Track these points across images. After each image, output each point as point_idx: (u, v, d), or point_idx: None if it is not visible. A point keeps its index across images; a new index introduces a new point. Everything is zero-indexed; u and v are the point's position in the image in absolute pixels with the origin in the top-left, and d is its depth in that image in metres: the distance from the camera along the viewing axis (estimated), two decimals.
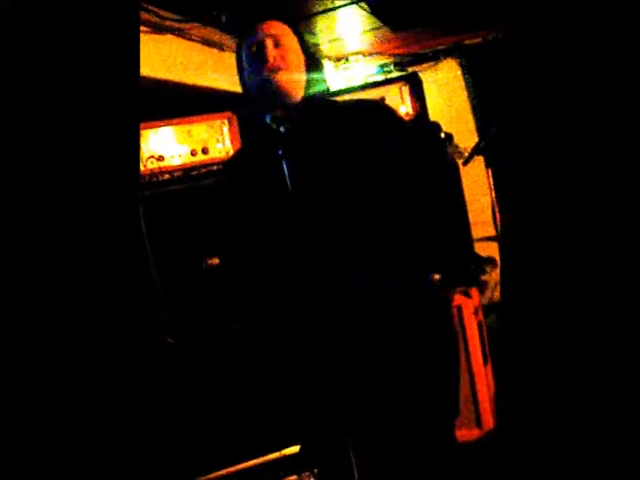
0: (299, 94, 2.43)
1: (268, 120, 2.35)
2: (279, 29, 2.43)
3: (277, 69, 2.36)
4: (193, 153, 3.67)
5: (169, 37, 3.71)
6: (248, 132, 3.06)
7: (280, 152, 2.34)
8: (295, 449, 3.46)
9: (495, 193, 3.81)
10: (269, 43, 2.37)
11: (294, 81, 2.42)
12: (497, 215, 3.92)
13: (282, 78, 2.37)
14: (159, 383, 3.37)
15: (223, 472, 3.45)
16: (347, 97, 4.32)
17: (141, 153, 3.54)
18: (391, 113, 2.82)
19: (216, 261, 3.41)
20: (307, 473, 3.46)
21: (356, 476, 2.60)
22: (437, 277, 2.73)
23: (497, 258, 4.36)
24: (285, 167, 2.28)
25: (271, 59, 2.36)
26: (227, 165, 3.08)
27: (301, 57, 2.47)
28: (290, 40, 2.44)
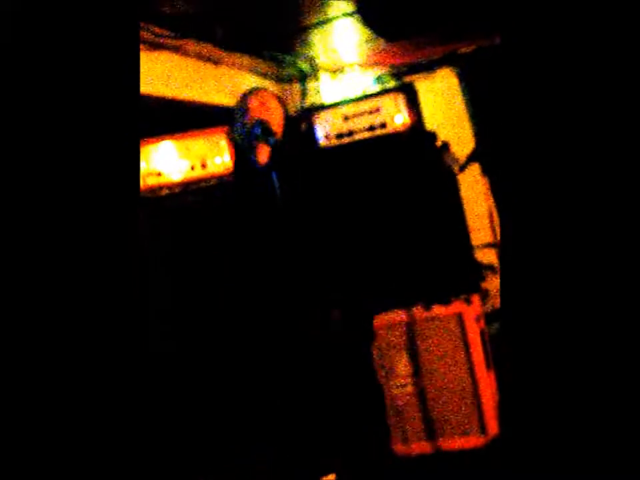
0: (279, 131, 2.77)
1: (258, 132, 2.41)
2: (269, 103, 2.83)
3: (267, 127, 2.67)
4: (192, 168, 3.68)
5: (165, 53, 3.73)
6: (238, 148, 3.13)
7: (270, 163, 2.41)
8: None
9: (493, 199, 3.83)
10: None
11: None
12: (495, 221, 3.93)
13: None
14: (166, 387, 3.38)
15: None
16: (343, 108, 4.36)
17: (140, 169, 3.55)
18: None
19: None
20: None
21: None
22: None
23: (497, 264, 4.37)
24: (274, 177, 2.33)
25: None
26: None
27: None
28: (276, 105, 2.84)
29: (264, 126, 2.43)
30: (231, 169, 3.65)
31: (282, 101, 2.89)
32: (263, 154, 2.65)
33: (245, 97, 2.85)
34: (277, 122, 2.76)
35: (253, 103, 2.78)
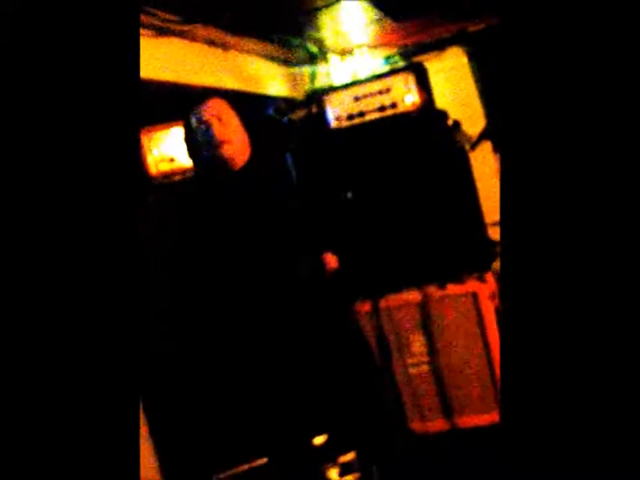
0: (242, 159, 2.96)
1: (271, 112, 2.44)
2: (221, 107, 2.98)
3: (221, 143, 2.90)
4: None
5: (173, 39, 3.73)
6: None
7: (284, 142, 2.44)
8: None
9: None
10: (215, 121, 2.92)
11: (237, 150, 2.94)
12: None
13: (227, 150, 2.91)
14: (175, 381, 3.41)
15: (242, 468, 3.49)
16: (353, 90, 4.36)
17: (152, 156, 3.57)
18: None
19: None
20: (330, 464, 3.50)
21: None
22: None
23: None
24: (288, 156, 2.35)
25: (217, 137, 2.90)
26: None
27: (240, 129, 2.99)
28: (229, 114, 2.98)
29: (276, 107, 2.49)
30: None
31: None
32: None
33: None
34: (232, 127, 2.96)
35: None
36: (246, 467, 3.49)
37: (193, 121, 2.99)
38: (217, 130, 2.89)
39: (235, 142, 2.93)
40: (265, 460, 3.45)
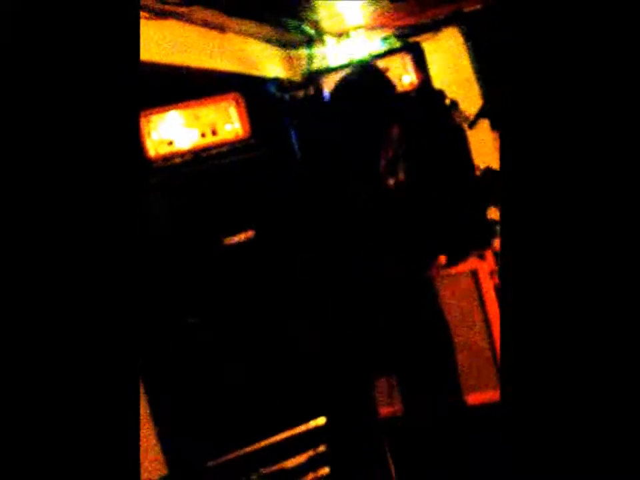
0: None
1: (273, 90, 2.41)
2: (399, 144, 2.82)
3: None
4: (203, 135, 3.70)
5: (172, 21, 3.73)
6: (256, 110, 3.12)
7: (287, 120, 2.43)
8: (314, 423, 3.52)
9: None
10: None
11: None
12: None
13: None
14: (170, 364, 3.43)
15: (236, 454, 3.52)
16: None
17: (151, 139, 3.58)
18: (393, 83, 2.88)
19: (237, 238, 3.45)
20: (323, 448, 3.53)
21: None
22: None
23: None
24: (292, 134, 2.35)
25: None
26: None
27: None
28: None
29: (278, 84, 2.44)
30: (242, 135, 3.68)
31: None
32: None
33: None
34: None
35: None
36: (240, 452, 3.53)
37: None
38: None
39: None
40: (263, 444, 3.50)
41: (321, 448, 3.51)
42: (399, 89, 4.28)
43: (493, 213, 4.56)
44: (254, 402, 3.56)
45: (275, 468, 3.52)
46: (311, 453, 3.51)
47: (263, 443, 3.55)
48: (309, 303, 2.59)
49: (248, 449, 3.54)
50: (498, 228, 4.60)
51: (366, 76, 2.69)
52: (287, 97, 2.34)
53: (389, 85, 2.64)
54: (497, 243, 4.51)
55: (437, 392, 2.70)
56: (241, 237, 3.50)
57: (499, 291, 4.23)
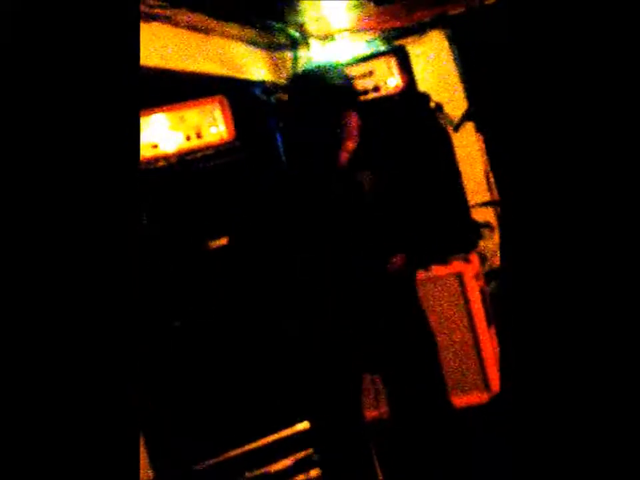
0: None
1: (259, 92, 2.41)
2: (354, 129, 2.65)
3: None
4: (187, 138, 3.70)
5: (157, 24, 3.73)
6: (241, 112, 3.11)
7: (272, 123, 2.42)
8: (300, 426, 3.52)
9: (487, 156, 3.84)
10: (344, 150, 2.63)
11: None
12: (491, 180, 3.95)
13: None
14: (160, 367, 3.42)
15: (219, 458, 3.52)
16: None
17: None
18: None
19: (223, 241, 3.45)
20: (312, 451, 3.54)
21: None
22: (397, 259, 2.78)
23: (494, 223, 4.40)
24: (278, 136, 2.34)
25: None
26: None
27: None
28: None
29: (263, 87, 2.43)
30: (226, 138, 3.67)
31: None
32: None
33: None
34: None
35: None
36: (227, 455, 3.53)
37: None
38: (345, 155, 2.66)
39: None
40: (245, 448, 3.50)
41: (306, 452, 3.52)
42: (384, 92, 4.29)
43: (479, 215, 4.57)
44: (240, 405, 3.56)
45: (260, 471, 3.52)
46: (296, 456, 3.52)
47: (249, 446, 3.56)
48: (308, 303, 2.58)
49: (234, 452, 3.54)
50: (483, 230, 4.61)
51: (318, 70, 2.67)
52: (272, 99, 2.33)
53: (341, 75, 2.61)
54: (482, 245, 4.53)
55: (424, 394, 2.69)
56: (227, 239, 3.50)
57: (484, 293, 4.25)
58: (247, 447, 3.56)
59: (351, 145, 2.56)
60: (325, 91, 2.49)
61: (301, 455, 3.51)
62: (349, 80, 2.62)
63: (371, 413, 3.25)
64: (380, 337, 2.57)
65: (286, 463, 3.51)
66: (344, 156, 2.55)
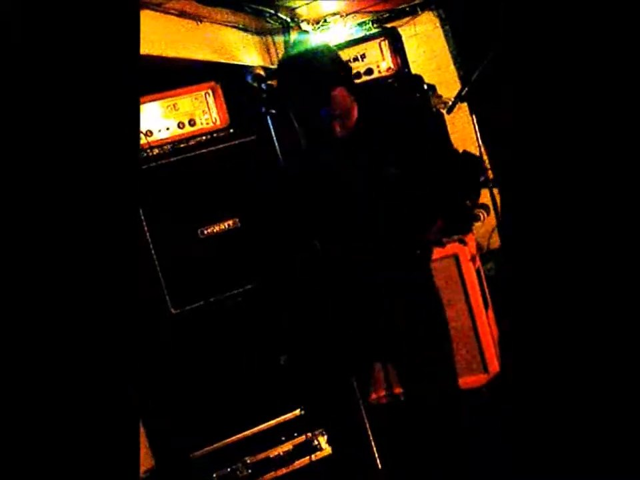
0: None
1: (249, 79, 2.40)
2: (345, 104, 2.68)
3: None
4: (180, 126, 3.69)
5: (147, 11, 3.71)
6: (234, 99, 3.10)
7: (263, 109, 2.43)
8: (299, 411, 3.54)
9: (481, 138, 3.84)
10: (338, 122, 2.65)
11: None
12: (486, 160, 3.94)
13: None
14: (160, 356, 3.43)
15: (217, 445, 3.53)
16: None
17: None
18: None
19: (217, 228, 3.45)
20: (318, 431, 3.54)
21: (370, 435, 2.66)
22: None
23: (490, 204, 4.39)
24: (269, 122, 2.34)
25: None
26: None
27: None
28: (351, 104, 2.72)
29: (254, 74, 2.42)
30: (220, 125, 3.67)
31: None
32: None
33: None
34: None
35: None
36: (226, 441, 3.55)
37: (313, 123, 2.67)
38: (339, 132, 2.67)
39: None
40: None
41: (305, 436, 3.53)
42: (377, 75, 4.28)
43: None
44: (239, 392, 3.57)
45: (260, 456, 3.53)
46: (295, 441, 3.53)
47: (248, 432, 3.57)
48: (308, 303, 2.59)
49: (233, 439, 3.55)
50: (478, 211, 4.61)
51: (301, 53, 2.67)
52: (263, 86, 2.33)
53: (326, 55, 2.61)
54: (477, 226, 4.53)
55: (432, 377, 2.70)
56: (221, 226, 3.50)
57: (480, 274, 4.25)
58: (246, 433, 3.57)
59: (342, 119, 2.57)
60: (310, 71, 2.50)
61: (300, 439, 3.52)
62: (335, 58, 2.62)
63: (378, 394, 3.27)
64: (390, 320, 2.57)
65: (285, 447, 3.53)
66: (338, 130, 2.56)
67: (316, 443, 3.51)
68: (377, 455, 2.43)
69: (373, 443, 2.42)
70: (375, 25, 6.04)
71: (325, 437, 3.49)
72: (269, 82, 2.37)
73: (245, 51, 4.90)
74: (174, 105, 3.71)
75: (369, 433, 2.45)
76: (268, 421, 3.58)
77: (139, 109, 3.30)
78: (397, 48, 4.32)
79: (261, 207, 2.64)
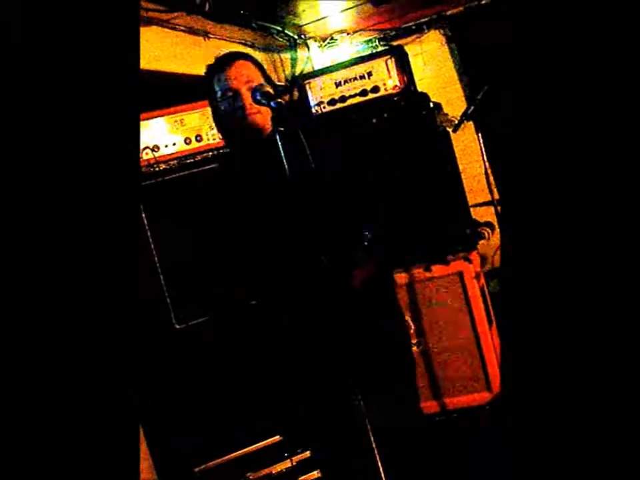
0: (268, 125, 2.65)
1: (258, 97, 2.42)
2: (248, 71, 2.69)
3: (252, 114, 2.62)
4: (187, 142, 3.70)
5: (155, 28, 3.74)
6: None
7: (272, 125, 2.45)
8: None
9: (487, 157, 3.85)
10: (244, 90, 2.62)
11: (266, 117, 2.63)
12: (491, 179, 3.95)
13: (257, 119, 2.63)
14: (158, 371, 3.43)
15: (220, 460, 3.53)
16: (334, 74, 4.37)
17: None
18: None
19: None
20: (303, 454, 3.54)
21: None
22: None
23: (495, 223, 4.40)
24: (277, 139, 2.35)
25: (247, 107, 2.61)
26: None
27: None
28: (257, 78, 2.68)
29: (262, 90, 2.43)
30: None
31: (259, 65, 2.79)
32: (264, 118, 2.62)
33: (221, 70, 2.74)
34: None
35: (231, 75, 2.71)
36: (229, 456, 3.54)
37: (217, 88, 2.70)
38: (246, 98, 2.60)
39: (264, 110, 2.60)
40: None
41: (307, 453, 3.52)
42: (383, 92, 4.30)
43: (479, 215, 4.58)
44: (242, 407, 3.57)
45: (262, 473, 3.53)
46: (297, 457, 3.52)
47: (251, 448, 3.56)
48: (308, 303, 2.59)
49: (235, 454, 3.55)
50: (483, 230, 4.62)
51: None
52: (273, 104, 2.34)
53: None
54: (482, 244, 4.54)
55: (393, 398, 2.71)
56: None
57: (484, 292, 4.25)
58: (249, 449, 3.56)
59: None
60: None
61: (303, 456, 3.51)
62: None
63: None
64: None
65: (287, 464, 3.52)
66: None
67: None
68: (381, 469, 2.43)
69: (377, 457, 2.41)
70: (381, 43, 6.07)
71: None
72: (279, 99, 2.37)
73: None
74: (180, 121, 3.72)
75: (374, 447, 2.44)
76: (271, 437, 3.57)
77: (139, 109, 3.31)
78: (403, 66, 4.34)
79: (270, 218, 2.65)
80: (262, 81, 2.68)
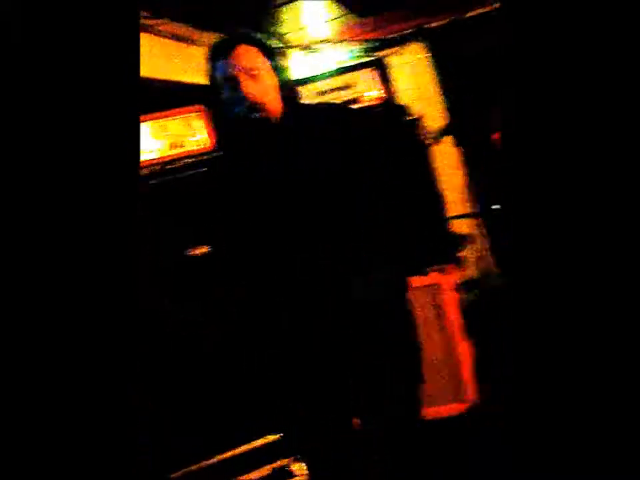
0: (277, 112, 2.49)
1: (244, 108, 2.40)
2: (251, 58, 2.48)
3: (257, 104, 2.43)
4: (170, 147, 3.72)
5: (140, 34, 3.74)
6: (224, 124, 3.11)
7: (256, 138, 2.44)
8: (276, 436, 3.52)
9: (466, 168, 3.88)
10: (244, 78, 2.43)
11: (272, 105, 2.48)
12: (470, 192, 3.99)
13: (262, 109, 2.44)
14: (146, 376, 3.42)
15: (201, 465, 3.52)
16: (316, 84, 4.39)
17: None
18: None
19: (203, 250, 3.46)
20: (291, 459, 3.54)
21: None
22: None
23: (472, 234, 4.44)
24: (262, 152, 2.35)
25: (250, 97, 2.42)
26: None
27: (274, 79, 2.52)
28: (262, 66, 2.48)
29: (248, 102, 2.39)
30: (208, 147, 3.69)
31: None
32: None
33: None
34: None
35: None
36: (205, 463, 3.53)
37: (218, 76, 2.48)
38: (247, 87, 2.42)
39: (269, 101, 2.47)
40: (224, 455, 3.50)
41: (284, 461, 3.52)
42: (364, 104, 4.32)
43: (458, 227, 4.61)
44: (218, 412, 3.56)
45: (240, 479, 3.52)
46: (275, 465, 3.52)
47: (228, 454, 3.55)
48: (308, 303, 2.59)
49: (212, 460, 3.54)
50: (462, 241, 4.65)
51: None
52: (256, 115, 2.34)
53: None
54: (460, 256, 4.56)
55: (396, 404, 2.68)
56: (208, 247, 3.51)
57: (462, 303, 4.27)
58: (225, 455, 3.55)
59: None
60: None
61: (281, 463, 3.51)
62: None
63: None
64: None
65: (264, 471, 3.52)
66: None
67: (296, 467, 3.50)
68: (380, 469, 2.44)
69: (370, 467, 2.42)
70: (364, 54, 6.10)
71: (303, 463, 3.47)
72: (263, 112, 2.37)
73: None
74: (163, 127, 3.73)
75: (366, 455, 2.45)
76: (249, 442, 3.57)
77: (139, 109, 3.30)
78: (385, 78, 4.37)
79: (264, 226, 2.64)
80: (268, 67, 2.52)
